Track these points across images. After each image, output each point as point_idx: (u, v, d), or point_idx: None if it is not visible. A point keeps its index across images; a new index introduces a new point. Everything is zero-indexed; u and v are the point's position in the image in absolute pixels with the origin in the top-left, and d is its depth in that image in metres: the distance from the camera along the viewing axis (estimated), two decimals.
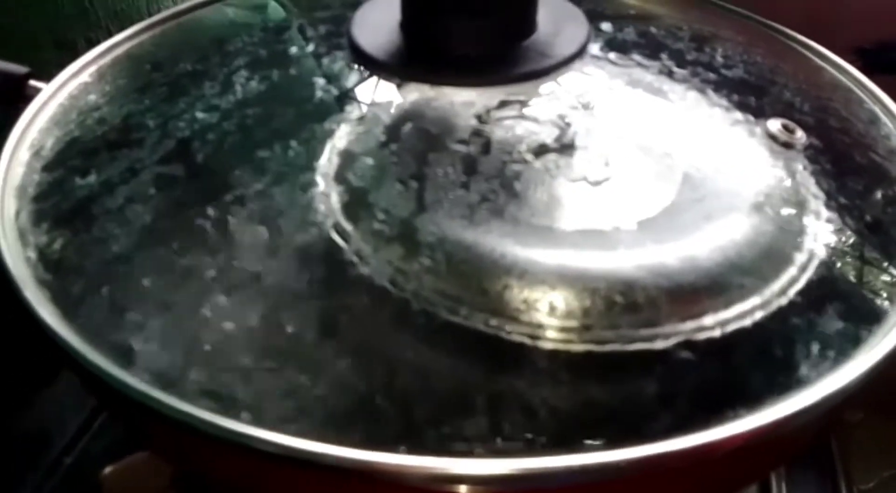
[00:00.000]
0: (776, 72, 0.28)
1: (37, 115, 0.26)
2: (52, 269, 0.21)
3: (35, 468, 0.32)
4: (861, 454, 0.32)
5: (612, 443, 0.17)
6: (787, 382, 0.19)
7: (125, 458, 0.29)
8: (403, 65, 0.24)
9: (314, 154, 0.22)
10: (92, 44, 0.29)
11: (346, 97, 0.24)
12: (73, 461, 0.32)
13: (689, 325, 0.19)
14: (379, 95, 0.24)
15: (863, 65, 0.29)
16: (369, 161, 0.22)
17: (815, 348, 0.20)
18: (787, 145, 0.23)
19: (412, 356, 0.19)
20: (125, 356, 0.19)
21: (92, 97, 0.27)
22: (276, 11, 0.30)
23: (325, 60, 0.26)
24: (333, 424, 0.18)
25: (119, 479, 0.28)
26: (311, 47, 0.26)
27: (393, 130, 0.23)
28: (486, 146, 0.22)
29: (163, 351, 0.20)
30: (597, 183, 0.22)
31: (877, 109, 0.27)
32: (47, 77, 0.28)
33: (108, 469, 0.29)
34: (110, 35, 0.30)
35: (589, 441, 0.17)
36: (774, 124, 0.24)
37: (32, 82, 0.29)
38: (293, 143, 0.23)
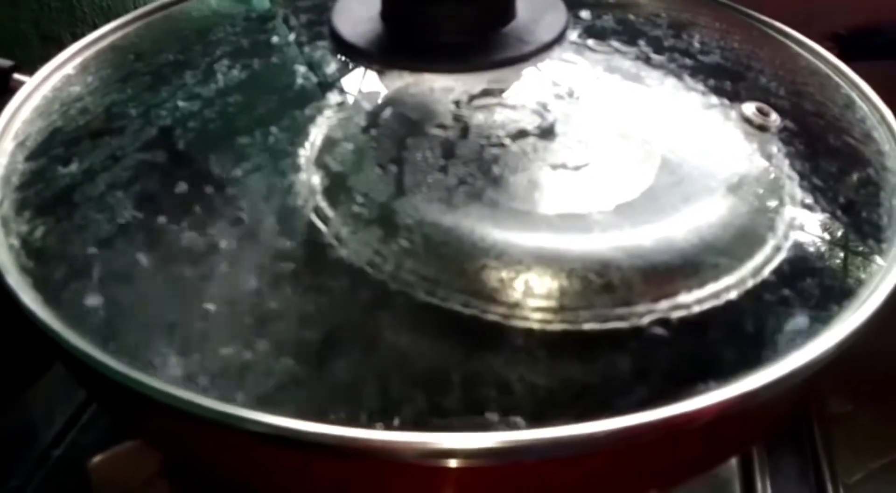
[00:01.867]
0: (753, 58, 0.28)
1: (21, 106, 0.27)
2: (35, 256, 0.21)
3: (24, 460, 0.32)
4: (850, 445, 0.33)
5: (586, 417, 0.17)
6: (758, 357, 0.19)
7: (113, 447, 0.29)
8: (383, 52, 0.25)
9: (295, 140, 0.23)
10: (77, 38, 0.30)
11: (327, 85, 0.24)
12: (61, 454, 0.32)
13: (664, 304, 0.19)
14: (359, 83, 0.24)
15: (839, 51, 0.30)
16: (349, 146, 0.22)
17: (786, 325, 0.20)
18: (762, 128, 0.24)
19: (391, 337, 0.19)
20: (108, 341, 0.19)
21: (75, 88, 0.27)
22: (260, 2, 0.30)
23: (307, 49, 0.26)
24: (314, 404, 0.18)
25: (107, 468, 0.29)
26: (293, 36, 0.27)
27: (373, 116, 0.23)
28: (465, 131, 0.22)
29: (145, 336, 0.20)
30: (576, 168, 0.22)
31: (853, 94, 0.28)
32: (32, 71, 0.28)
33: (95, 459, 0.29)
34: (96, 29, 0.30)
35: (564, 416, 0.17)
36: (749, 108, 0.24)
37: (17, 75, 0.29)
38: (274, 129, 0.23)
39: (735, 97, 0.25)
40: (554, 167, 0.22)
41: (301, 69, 0.25)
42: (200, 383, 0.19)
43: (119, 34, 0.30)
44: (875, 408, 0.34)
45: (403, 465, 0.18)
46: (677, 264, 0.20)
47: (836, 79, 0.28)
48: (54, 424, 0.33)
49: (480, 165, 0.21)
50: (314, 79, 0.25)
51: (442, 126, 0.22)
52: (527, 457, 0.17)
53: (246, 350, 0.19)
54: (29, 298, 0.20)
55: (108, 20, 0.30)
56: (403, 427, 0.18)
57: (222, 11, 0.31)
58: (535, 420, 0.17)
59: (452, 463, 0.17)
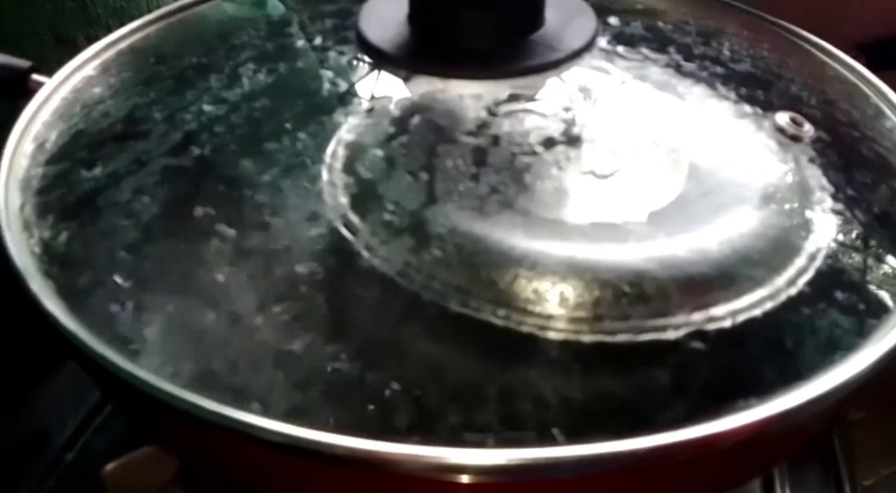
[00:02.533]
0: (781, 67, 0.28)
1: (40, 108, 0.26)
2: (58, 261, 0.21)
3: (35, 465, 0.32)
4: (861, 451, 0.32)
5: (623, 433, 0.16)
6: (796, 372, 0.19)
7: (127, 454, 0.29)
8: (412, 58, 0.24)
9: (322, 146, 0.22)
10: (92, 40, 0.29)
11: (354, 90, 0.24)
12: (73, 458, 0.32)
13: (700, 316, 0.19)
14: (387, 88, 0.24)
15: (866, 61, 0.29)
16: (378, 153, 0.22)
17: (822, 339, 0.20)
18: (796, 138, 0.23)
19: (423, 348, 0.19)
20: (132, 348, 0.19)
21: (96, 90, 0.27)
22: (274, 7, 0.30)
23: (333, 54, 0.26)
24: (345, 416, 0.18)
25: (121, 475, 0.28)
26: (318, 41, 0.26)
27: (401, 123, 0.23)
28: (495, 139, 0.22)
29: (170, 343, 0.19)
30: (605, 176, 0.22)
31: (881, 104, 0.27)
32: (48, 73, 0.28)
33: (110, 466, 0.28)
34: (110, 32, 0.30)
35: (599, 431, 0.17)
36: (783, 118, 0.24)
37: (35, 76, 0.29)
38: (301, 135, 0.23)
39: (766, 106, 0.25)
40: (585, 175, 0.22)
41: (328, 74, 0.25)
42: (226, 392, 0.18)
43: (138, 36, 0.30)
44: (886, 414, 0.33)
45: (418, 478, 0.17)
46: (713, 276, 0.20)
47: (865, 88, 0.28)
48: (67, 428, 0.33)
49: (512, 173, 0.21)
50: (341, 84, 0.24)
51: (472, 133, 0.22)
52: (551, 475, 0.17)
53: (273, 360, 0.19)
54: (52, 304, 0.20)
55: (122, 22, 0.30)
56: (433, 441, 0.17)
57: (238, 16, 0.31)
58: (570, 436, 0.17)
59: (465, 479, 0.17)
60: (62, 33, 0.50)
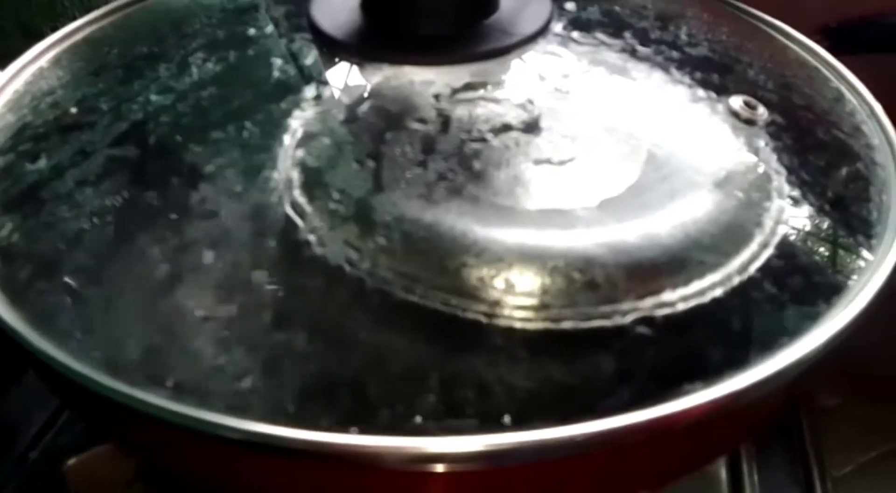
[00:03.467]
0: (741, 51, 0.27)
1: None
2: (1, 255, 0.21)
3: (0, 462, 0.32)
4: (838, 439, 0.32)
5: (569, 419, 0.16)
6: (745, 356, 0.18)
7: (88, 450, 0.28)
8: (363, 45, 0.24)
9: (271, 135, 0.22)
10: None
11: (304, 78, 0.24)
12: (37, 456, 0.32)
13: (649, 301, 0.19)
14: (338, 76, 0.24)
15: (829, 44, 0.29)
16: (326, 141, 0.22)
17: (774, 323, 0.20)
18: (749, 122, 0.23)
19: (368, 336, 0.18)
20: (76, 344, 0.19)
21: (47, 82, 0.26)
22: None
23: (285, 41, 0.25)
24: (289, 407, 0.18)
25: (82, 471, 0.28)
26: (270, 28, 0.26)
27: (351, 110, 0.22)
28: (446, 125, 0.22)
29: (114, 337, 0.19)
30: (560, 163, 0.22)
31: (842, 88, 0.27)
32: (4, 67, 0.27)
33: (71, 461, 0.28)
34: None
35: (545, 419, 0.17)
36: (736, 101, 0.24)
37: None
38: (249, 124, 0.22)
39: (722, 91, 0.24)
40: (537, 162, 0.22)
41: (278, 62, 0.24)
42: (170, 386, 0.18)
43: (94, 27, 0.29)
44: (863, 401, 0.33)
45: (382, 470, 0.17)
46: (662, 261, 0.20)
47: (826, 72, 0.28)
48: (31, 426, 0.33)
49: (461, 160, 0.21)
50: (291, 72, 0.24)
51: (422, 120, 0.22)
52: (513, 461, 0.17)
53: (218, 352, 0.18)
54: None
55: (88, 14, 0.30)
56: (381, 431, 0.17)
57: (203, 2, 0.30)
58: (517, 423, 0.17)
59: (438, 468, 0.17)
60: (29, 25, 0.49)
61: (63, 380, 0.18)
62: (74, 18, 0.48)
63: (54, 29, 0.47)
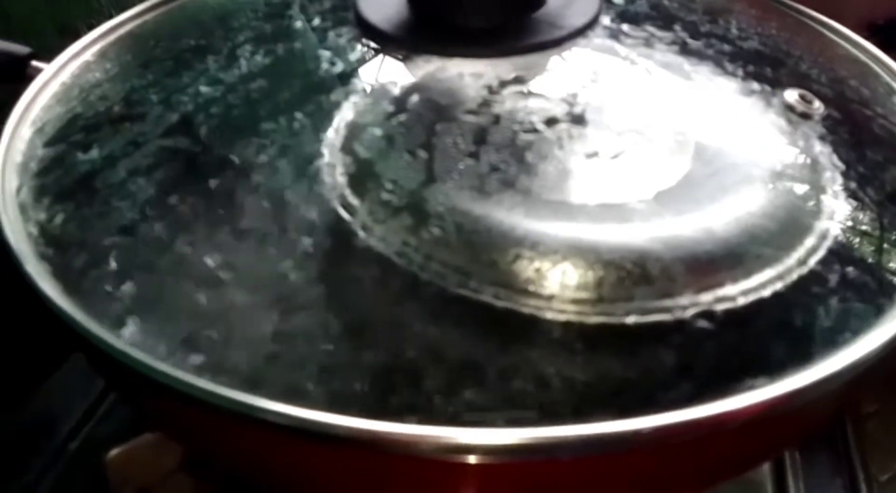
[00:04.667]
0: (790, 45, 0.27)
1: (39, 93, 0.26)
2: (54, 244, 0.21)
3: (40, 453, 0.32)
4: (882, 444, 0.32)
5: (626, 413, 0.16)
6: (805, 353, 0.18)
7: (130, 440, 0.28)
8: (411, 37, 0.24)
9: (321, 126, 0.22)
10: (93, 29, 0.29)
11: (353, 70, 0.24)
12: (78, 447, 0.32)
13: (707, 296, 0.19)
14: (386, 68, 0.24)
15: (878, 41, 0.29)
16: (377, 132, 0.21)
17: (832, 319, 0.19)
18: (805, 116, 0.23)
19: (421, 328, 0.18)
20: (129, 331, 0.19)
21: (94, 75, 0.27)
22: None
23: (332, 34, 0.25)
24: (342, 396, 0.17)
25: (124, 461, 0.28)
26: (316, 21, 0.26)
27: (401, 102, 0.22)
28: (496, 117, 0.22)
29: (167, 326, 0.19)
30: (610, 156, 0.21)
31: (893, 83, 0.27)
32: (49, 61, 0.28)
33: (113, 452, 0.28)
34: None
35: (603, 412, 0.16)
36: (792, 95, 0.23)
37: (35, 62, 0.29)
38: (299, 115, 0.22)
39: (775, 84, 0.24)
40: (588, 155, 0.21)
41: (326, 54, 0.24)
42: (224, 374, 0.18)
43: (137, 22, 0.29)
44: None
45: (424, 459, 0.17)
46: (720, 255, 0.19)
47: (875, 67, 0.27)
48: (71, 417, 0.33)
49: (513, 152, 0.21)
50: (339, 64, 0.24)
51: (472, 112, 0.22)
52: (555, 455, 0.17)
53: (272, 341, 0.18)
54: (48, 286, 0.19)
55: (123, 11, 0.30)
56: (432, 421, 0.17)
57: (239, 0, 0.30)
58: (574, 416, 0.17)
59: (472, 459, 0.16)
60: (64, 23, 0.49)
61: (118, 367, 0.18)
62: (110, 15, 0.48)
63: (90, 26, 0.47)
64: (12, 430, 0.33)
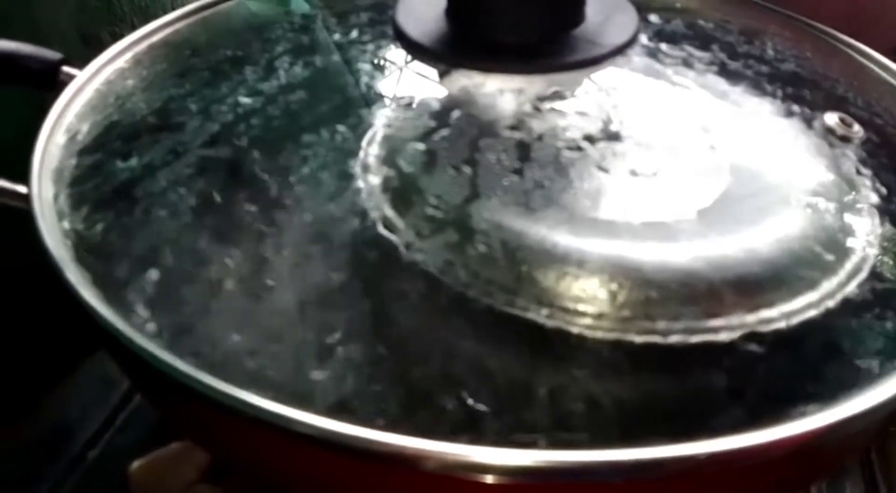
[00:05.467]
0: (826, 68, 0.27)
1: (72, 100, 0.26)
2: (93, 251, 0.21)
3: (58, 461, 0.31)
4: (893, 465, 0.31)
5: (678, 437, 0.16)
6: (854, 378, 0.18)
7: (152, 452, 0.28)
8: (451, 52, 0.24)
9: (360, 139, 0.22)
10: (117, 38, 0.29)
11: (392, 84, 0.24)
12: (97, 455, 0.32)
13: (752, 317, 0.18)
14: (426, 82, 0.24)
15: None
16: (419, 147, 0.21)
17: (876, 343, 0.19)
18: (845, 139, 0.23)
19: (467, 346, 0.18)
20: (168, 340, 0.19)
21: (129, 82, 0.26)
22: (298, 4, 0.30)
23: (370, 48, 0.25)
24: (387, 414, 0.17)
25: (148, 473, 0.28)
26: (353, 34, 0.26)
27: (441, 117, 0.22)
28: (538, 134, 0.21)
29: (206, 336, 0.19)
30: (650, 174, 0.21)
31: None
32: (78, 67, 0.28)
33: (136, 464, 0.28)
34: (134, 29, 0.29)
35: (653, 435, 0.16)
36: (832, 118, 0.23)
37: (66, 68, 0.29)
38: (340, 128, 0.22)
39: (813, 107, 0.24)
40: (628, 172, 0.21)
41: (364, 67, 0.24)
42: (267, 387, 0.18)
43: (169, 30, 0.29)
44: None
45: (464, 480, 0.17)
46: (764, 276, 0.19)
47: None
48: (90, 425, 0.32)
49: (556, 169, 0.21)
50: (378, 77, 0.24)
51: (514, 128, 0.22)
52: (598, 479, 0.16)
53: (316, 356, 0.18)
54: (89, 294, 0.19)
55: (146, 19, 0.30)
56: (482, 441, 0.17)
57: (261, 13, 0.30)
58: (623, 439, 0.16)
59: (518, 481, 0.16)
60: (87, 30, 0.50)
61: (159, 377, 0.18)
62: (132, 23, 0.49)
63: (112, 34, 0.48)
64: (31, 437, 0.32)
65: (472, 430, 0.17)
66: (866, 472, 0.31)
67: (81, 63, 0.28)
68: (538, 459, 0.16)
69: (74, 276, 0.20)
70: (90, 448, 0.32)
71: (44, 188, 0.23)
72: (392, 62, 0.25)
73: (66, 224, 0.21)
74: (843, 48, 0.29)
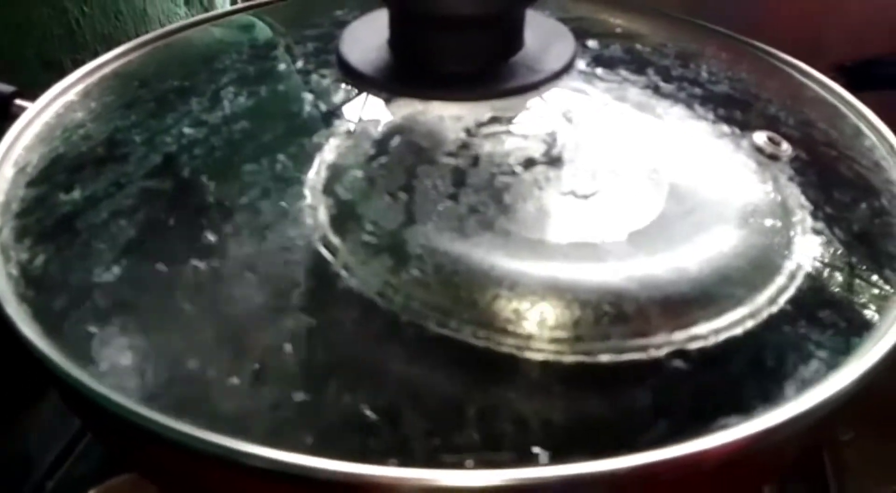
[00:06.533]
0: (760, 88, 0.28)
1: (22, 132, 0.26)
2: (35, 285, 0.21)
3: (17, 492, 0.31)
4: (852, 472, 0.32)
5: (604, 454, 0.16)
6: (778, 391, 0.18)
7: (108, 480, 0.28)
8: (392, 80, 0.24)
9: (302, 168, 0.22)
10: (79, 65, 0.29)
11: (334, 113, 0.24)
12: (55, 486, 0.31)
13: (681, 335, 0.19)
14: (367, 111, 0.24)
15: (845, 82, 0.30)
16: (358, 174, 0.22)
17: (805, 357, 0.20)
18: (773, 157, 0.24)
19: (402, 369, 0.18)
20: (108, 374, 0.19)
21: (78, 115, 0.27)
22: (262, 31, 0.30)
23: (314, 77, 0.26)
24: (323, 439, 0.18)
25: None
26: (299, 64, 0.26)
27: (381, 144, 0.23)
28: (475, 159, 0.22)
29: (147, 367, 0.19)
30: (585, 196, 0.22)
31: (860, 124, 0.28)
32: (34, 97, 0.28)
33: (90, 492, 0.28)
34: (97, 57, 0.30)
35: (581, 453, 0.17)
36: (760, 137, 0.24)
37: (18, 101, 0.29)
38: (281, 157, 0.23)
39: (744, 127, 0.25)
40: (565, 196, 0.22)
41: (308, 97, 0.25)
42: (203, 417, 0.18)
43: (122, 61, 0.30)
44: (876, 436, 0.33)
45: None
46: (692, 294, 0.20)
47: (843, 109, 0.28)
48: (48, 455, 0.32)
49: (492, 194, 0.21)
50: (321, 107, 0.24)
51: (451, 154, 0.22)
52: None
53: (251, 384, 0.18)
54: (28, 328, 0.19)
55: (109, 47, 0.30)
56: (412, 464, 0.17)
57: (226, 40, 0.31)
58: (552, 457, 0.17)
59: None
60: (49, 58, 0.50)
61: (94, 409, 0.18)
62: (95, 51, 0.49)
63: (75, 61, 0.48)
64: None
65: (403, 453, 0.17)
66: (818, 480, 0.32)
67: (42, 92, 0.28)
68: (463, 479, 0.16)
69: (14, 310, 0.20)
70: (48, 479, 0.32)
71: None
72: (336, 90, 0.25)
73: (9, 257, 0.22)
74: (782, 67, 0.30)
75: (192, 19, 0.31)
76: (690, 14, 0.31)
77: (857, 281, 0.22)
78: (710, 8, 0.32)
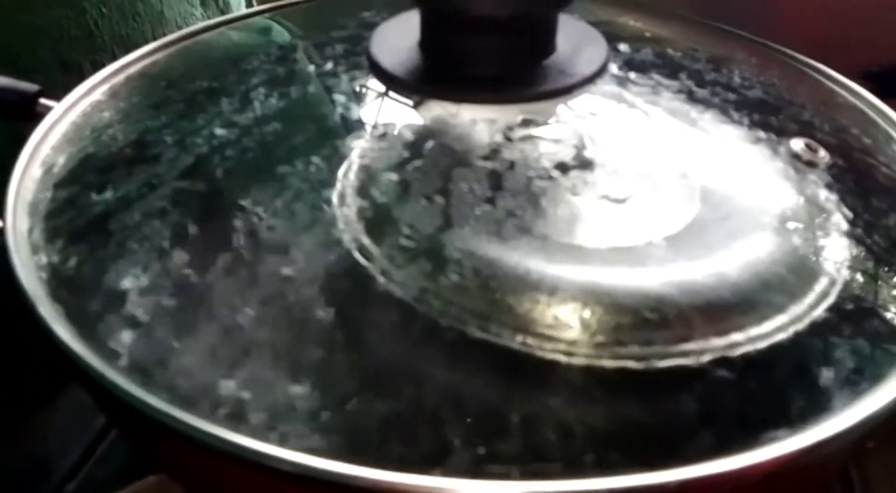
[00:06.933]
0: (792, 94, 0.28)
1: (49, 132, 0.26)
2: (67, 285, 0.21)
3: None
4: (884, 481, 0.32)
5: (651, 463, 0.16)
6: (823, 400, 0.18)
7: (131, 484, 0.28)
8: (424, 83, 0.24)
9: (335, 170, 0.22)
10: (97, 66, 0.29)
11: (367, 115, 0.24)
12: (75, 488, 0.31)
13: (721, 341, 0.19)
14: (399, 113, 0.24)
15: (872, 89, 0.29)
16: (392, 177, 0.22)
17: (846, 366, 0.19)
18: (811, 164, 0.23)
19: (441, 375, 0.18)
20: (142, 375, 0.19)
21: (105, 114, 0.27)
22: (280, 34, 0.30)
23: (344, 79, 0.26)
24: (361, 445, 0.17)
25: None
26: (328, 66, 0.26)
27: (415, 147, 0.22)
28: (510, 163, 0.22)
29: (182, 370, 0.19)
30: (620, 201, 0.22)
31: (891, 130, 0.27)
32: (54, 99, 0.28)
33: None
34: (115, 58, 0.30)
35: (626, 463, 0.16)
36: (798, 144, 0.24)
37: (43, 100, 0.29)
38: (314, 159, 0.22)
39: (779, 132, 0.24)
40: (600, 200, 0.22)
41: (338, 99, 0.25)
42: (241, 421, 0.18)
43: (146, 62, 0.29)
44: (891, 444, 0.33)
45: None
46: (733, 300, 0.20)
47: (873, 115, 0.28)
48: (68, 457, 0.32)
49: (528, 198, 0.21)
50: (351, 109, 0.24)
51: (486, 158, 0.22)
52: None
53: (289, 389, 0.18)
54: (62, 329, 0.19)
55: (127, 49, 0.30)
56: (454, 472, 0.17)
57: (243, 43, 0.31)
58: (597, 467, 0.17)
59: None
60: (67, 60, 0.50)
61: (131, 412, 0.18)
62: (113, 53, 0.49)
63: (93, 62, 0.48)
64: (8, 469, 0.32)
65: (444, 461, 0.17)
66: (846, 490, 0.31)
67: (61, 93, 0.28)
68: (513, 490, 0.16)
69: (47, 310, 0.20)
70: (69, 481, 0.31)
71: (18, 222, 0.23)
72: (368, 93, 0.25)
73: (40, 258, 0.21)
74: (811, 73, 0.30)
75: (210, 21, 0.31)
76: (702, 15, 0.31)
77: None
78: (721, 9, 0.32)
